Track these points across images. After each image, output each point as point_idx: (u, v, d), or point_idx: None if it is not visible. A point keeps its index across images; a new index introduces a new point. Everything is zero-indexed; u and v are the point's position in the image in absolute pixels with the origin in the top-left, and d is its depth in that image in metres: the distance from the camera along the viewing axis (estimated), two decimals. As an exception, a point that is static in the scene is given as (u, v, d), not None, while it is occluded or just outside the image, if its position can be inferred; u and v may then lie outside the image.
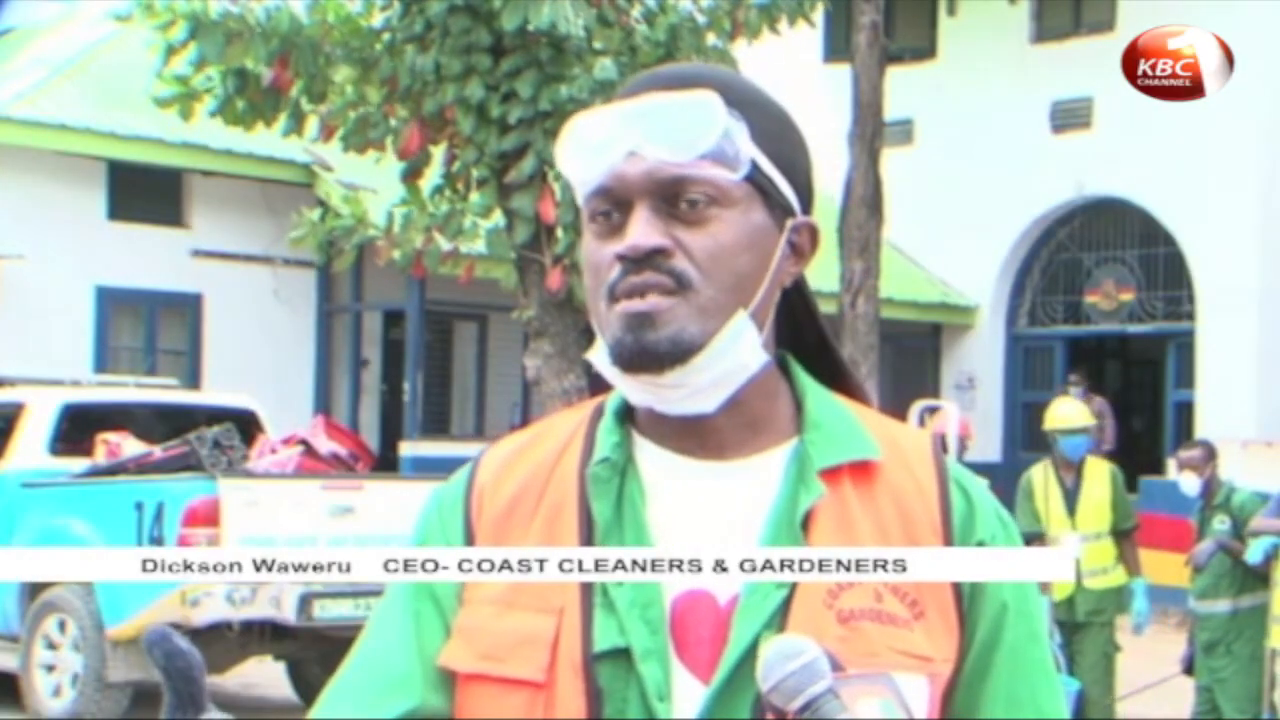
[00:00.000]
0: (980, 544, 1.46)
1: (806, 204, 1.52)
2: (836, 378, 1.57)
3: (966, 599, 1.44)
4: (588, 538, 1.44)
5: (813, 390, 1.51)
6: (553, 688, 1.40)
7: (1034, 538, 8.37)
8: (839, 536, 1.42)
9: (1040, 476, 8.72)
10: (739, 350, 1.44)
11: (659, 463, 1.48)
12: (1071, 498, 8.58)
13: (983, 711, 1.45)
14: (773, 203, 1.47)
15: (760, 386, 1.47)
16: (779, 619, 1.38)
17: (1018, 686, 1.45)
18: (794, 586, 1.39)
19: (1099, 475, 8.67)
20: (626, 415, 1.51)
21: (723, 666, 1.38)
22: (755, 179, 1.46)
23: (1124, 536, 8.67)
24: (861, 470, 1.46)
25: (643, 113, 1.44)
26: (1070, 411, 8.90)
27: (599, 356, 1.46)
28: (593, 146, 1.46)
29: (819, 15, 10.66)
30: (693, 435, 1.47)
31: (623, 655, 1.39)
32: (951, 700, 1.44)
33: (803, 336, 1.57)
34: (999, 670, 1.45)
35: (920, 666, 1.39)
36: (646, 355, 1.41)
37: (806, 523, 1.42)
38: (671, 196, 1.43)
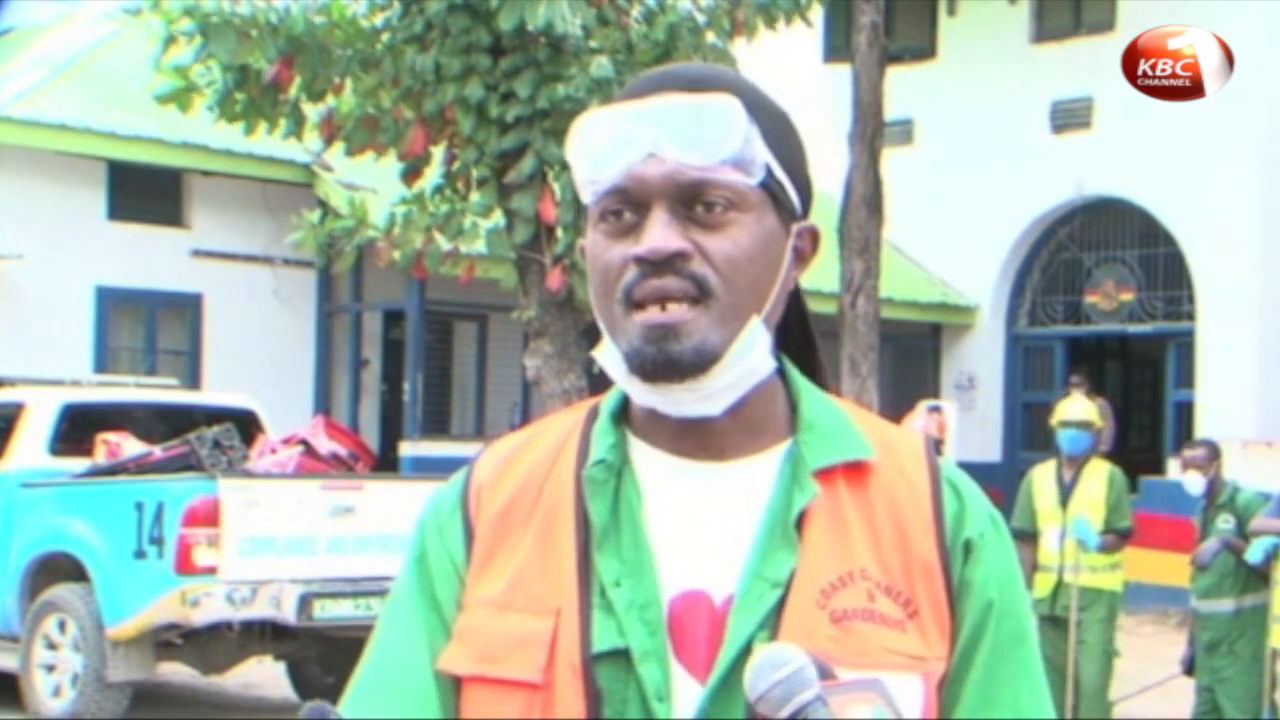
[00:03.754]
0: (969, 541, 1.46)
1: (806, 207, 1.52)
2: (814, 380, 1.56)
3: (955, 595, 1.44)
4: (584, 539, 1.44)
5: (807, 391, 1.51)
6: (551, 688, 1.40)
7: (1024, 535, 8.47)
8: (832, 536, 1.42)
9: (1041, 472, 8.86)
10: (753, 356, 1.44)
11: (655, 464, 1.47)
12: (1067, 492, 8.62)
13: (959, 711, 1.44)
14: (781, 207, 1.47)
15: (762, 389, 1.47)
16: (773, 619, 1.38)
17: (999, 687, 1.44)
18: (788, 587, 1.40)
19: (1098, 473, 8.72)
20: (622, 416, 1.51)
21: (718, 667, 1.38)
22: (768, 184, 1.45)
23: (1118, 537, 8.66)
24: (855, 470, 1.46)
25: (662, 113, 1.42)
26: (1076, 407, 8.96)
27: (607, 357, 1.45)
28: (607, 145, 1.43)
29: (816, 14, 10.66)
30: (692, 437, 1.46)
31: (622, 656, 1.39)
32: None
33: (788, 337, 1.56)
34: (978, 669, 1.44)
35: (914, 666, 1.39)
36: (670, 367, 1.40)
37: (800, 522, 1.42)
38: (690, 200, 1.41)
